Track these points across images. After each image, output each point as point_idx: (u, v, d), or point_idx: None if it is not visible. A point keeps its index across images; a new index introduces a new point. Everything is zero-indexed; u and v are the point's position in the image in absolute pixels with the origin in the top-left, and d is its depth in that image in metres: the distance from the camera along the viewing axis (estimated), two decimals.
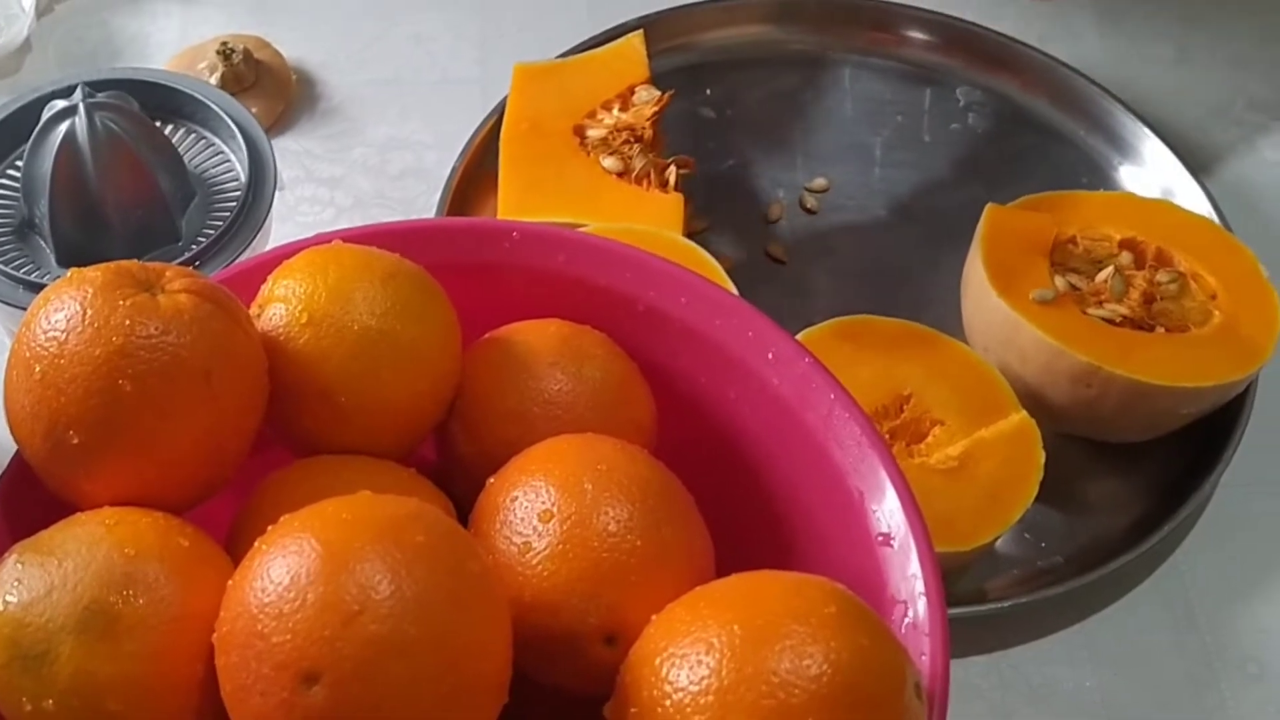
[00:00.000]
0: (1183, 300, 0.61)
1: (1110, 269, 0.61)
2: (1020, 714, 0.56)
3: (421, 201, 0.70)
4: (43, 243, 0.57)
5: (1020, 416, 0.56)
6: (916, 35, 0.77)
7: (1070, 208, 0.63)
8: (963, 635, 0.58)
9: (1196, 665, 0.58)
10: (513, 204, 0.66)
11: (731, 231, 0.70)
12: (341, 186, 0.71)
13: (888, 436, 0.56)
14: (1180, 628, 0.59)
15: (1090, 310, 0.60)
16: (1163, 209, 0.65)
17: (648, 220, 0.65)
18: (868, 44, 0.77)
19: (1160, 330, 0.60)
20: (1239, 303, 0.60)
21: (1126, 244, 0.63)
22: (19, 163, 0.58)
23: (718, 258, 0.62)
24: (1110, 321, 0.60)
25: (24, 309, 0.54)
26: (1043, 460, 0.56)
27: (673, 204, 0.66)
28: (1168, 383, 0.57)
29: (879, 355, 0.58)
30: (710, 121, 0.75)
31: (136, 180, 0.57)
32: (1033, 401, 0.58)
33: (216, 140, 0.62)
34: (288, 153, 0.71)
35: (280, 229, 0.63)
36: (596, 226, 0.63)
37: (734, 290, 0.60)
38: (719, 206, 0.71)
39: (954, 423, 0.57)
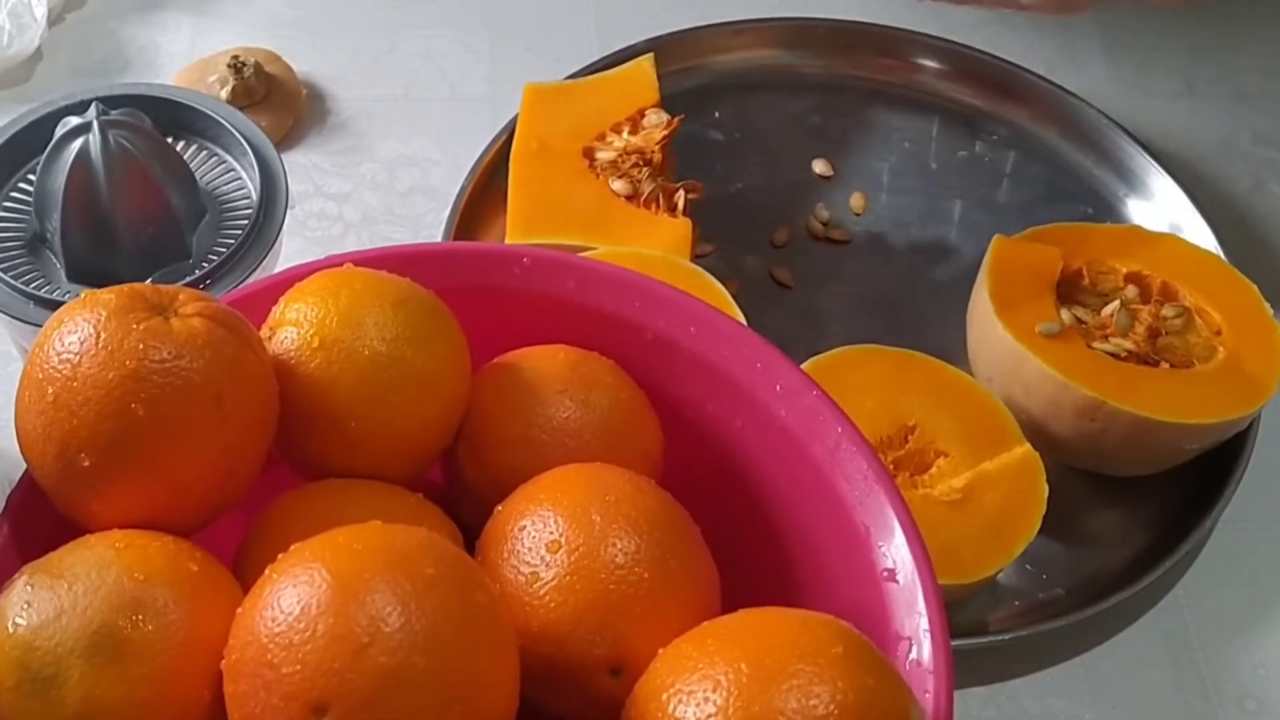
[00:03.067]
0: (1187, 336, 0.61)
1: (1116, 303, 0.61)
2: None
3: (429, 219, 0.70)
4: (53, 258, 0.57)
5: (1024, 449, 0.57)
6: (925, 62, 0.77)
7: (1077, 240, 0.64)
8: (961, 666, 0.57)
9: (1195, 700, 0.58)
10: (521, 224, 0.67)
11: (738, 255, 0.71)
12: (350, 202, 0.71)
13: (891, 467, 0.57)
14: (1179, 662, 0.59)
15: (1095, 344, 0.60)
16: (1169, 243, 0.66)
17: (656, 244, 0.65)
18: (876, 70, 0.77)
19: (1165, 365, 0.60)
20: (1243, 339, 0.61)
21: (1132, 278, 0.63)
22: (31, 176, 0.58)
23: (723, 281, 0.62)
24: (1115, 356, 0.60)
25: (34, 324, 0.55)
26: (1046, 494, 0.56)
27: (681, 229, 0.67)
28: (1171, 419, 0.57)
29: (884, 385, 0.59)
30: (718, 144, 0.75)
31: (149, 198, 0.57)
32: (1036, 434, 0.58)
33: (229, 158, 0.62)
34: (296, 167, 0.71)
35: (289, 244, 0.63)
36: (604, 250, 0.63)
37: (740, 316, 0.60)
38: (725, 230, 0.71)
39: (958, 454, 0.57)
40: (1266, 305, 0.62)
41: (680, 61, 0.76)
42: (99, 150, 0.55)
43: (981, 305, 0.61)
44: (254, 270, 0.58)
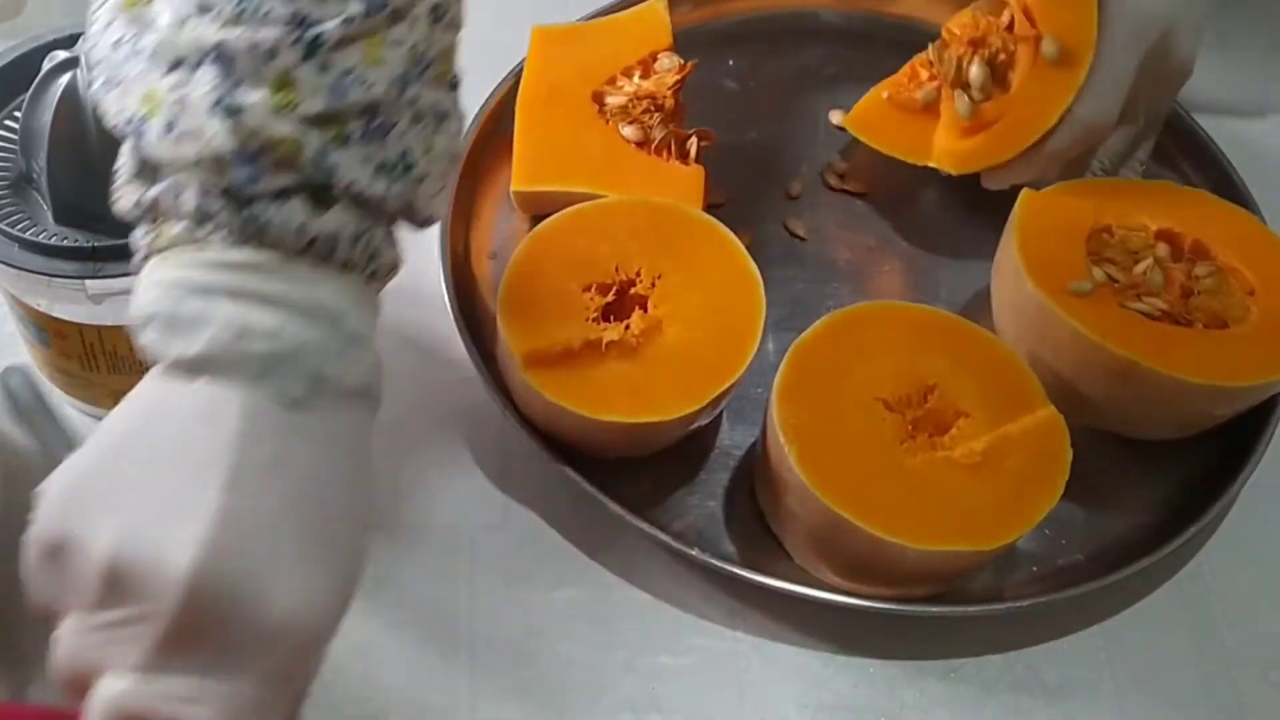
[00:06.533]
0: (1221, 295, 0.59)
1: (1149, 261, 0.59)
2: (1035, 715, 0.55)
3: None
4: (40, 199, 0.55)
5: (1048, 412, 0.54)
6: (947, 8, 0.74)
7: (1106, 196, 0.61)
8: (979, 634, 0.56)
9: (1217, 671, 0.56)
10: (527, 171, 0.64)
11: (751, 206, 0.68)
12: None
13: (910, 428, 0.55)
14: (1201, 632, 0.57)
15: (1128, 303, 0.58)
16: (1200, 200, 0.63)
17: (667, 192, 0.63)
18: (895, 18, 0.75)
19: (1198, 326, 0.58)
20: (1277, 299, 0.58)
21: (1163, 235, 0.60)
22: (17, 113, 0.55)
23: (736, 232, 0.60)
24: (1148, 316, 0.57)
25: (20, 268, 0.52)
26: (1070, 458, 0.54)
27: (693, 177, 0.64)
28: (1206, 381, 0.55)
29: (904, 343, 0.56)
30: (732, 93, 0.73)
31: None
32: (1064, 396, 0.56)
33: None
34: None
35: None
36: (613, 198, 0.61)
37: (754, 268, 0.58)
38: (739, 180, 0.69)
39: (980, 416, 0.55)
40: None
41: (693, 6, 0.74)
42: (87, 86, 0.53)
43: (1009, 262, 0.59)
44: None
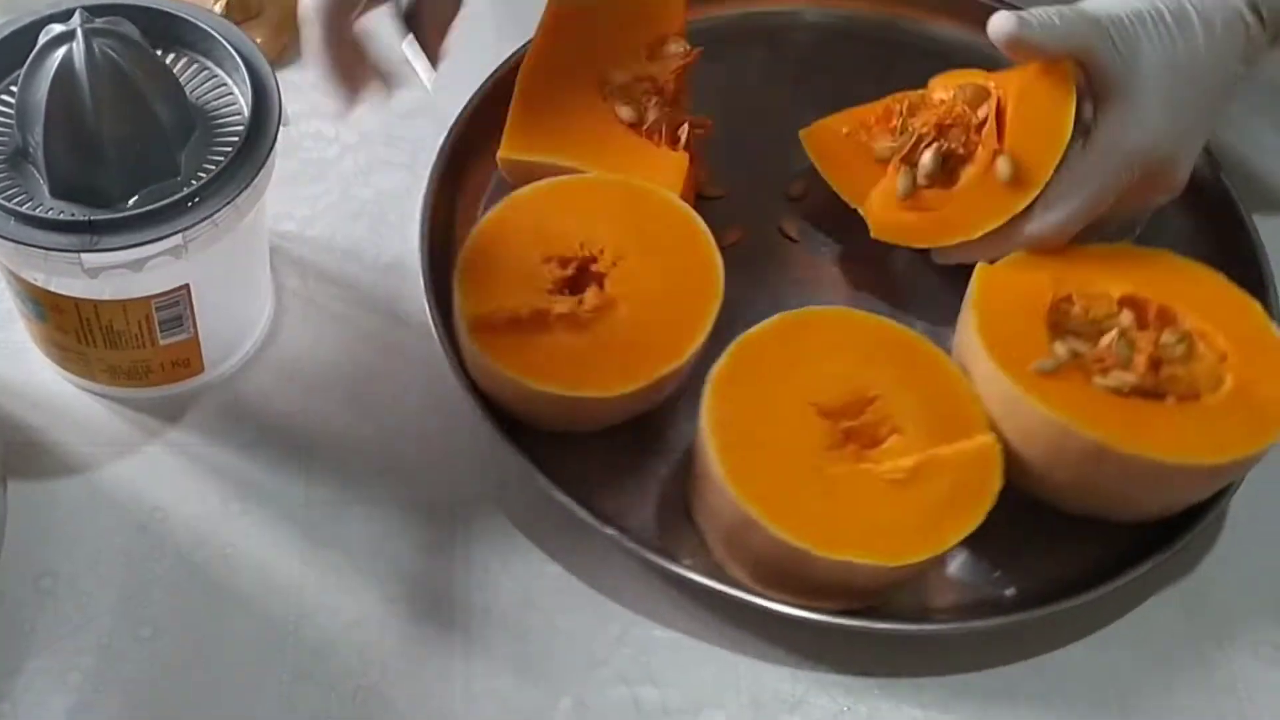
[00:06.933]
0: (1191, 364, 0.56)
1: (1114, 333, 0.56)
2: (1026, 688, 0.55)
3: (430, 142, 0.68)
4: (36, 172, 0.57)
5: (985, 440, 0.53)
6: (961, 14, 0.72)
7: (1065, 263, 0.58)
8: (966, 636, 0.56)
9: (1208, 645, 0.56)
10: (517, 140, 0.64)
11: (749, 202, 0.68)
12: (347, 122, 0.70)
13: (841, 436, 0.54)
14: (1192, 606, 0.57)
15: (1096, 379, 0.55)
16: (1163, 260, 0.59)
17: (648, 175, 0.62)
18: (919, 22, 0.73)
19: (1171, 399, 0.55)
20: (1251, 363, 0.55)
21: (1126, 301, 0.57)
22: (13, 88, 0.57)
23: (725, 227, 0.60)
24: (1118, 392, 0.54)
25: (16, 242, 0.54)
26: (998, 489, 0.52)
27: (676, 162, 0.64)
28: (1187, 461, 0.53)
29: (851, 351, 0.56)
30: (748, 88, 0.72)
31: (134, 111, 0.56)
32: (1037, 483, 0.54)
33: (220, 72, 0.61)
34: (292, 86, 0.69)
35: (283, 164, 0.62)
36: (594, 175, 0.61)
37: (719, 263, 0.58)
38: (741, 175, 0.68)
39: (914, 434, 0.54)
40: (1273, 325, 0.57)
41: None
42: (83, 60, 0.54)
43: (969, 341, 0.56)
44: (245, 189, 0.58)
